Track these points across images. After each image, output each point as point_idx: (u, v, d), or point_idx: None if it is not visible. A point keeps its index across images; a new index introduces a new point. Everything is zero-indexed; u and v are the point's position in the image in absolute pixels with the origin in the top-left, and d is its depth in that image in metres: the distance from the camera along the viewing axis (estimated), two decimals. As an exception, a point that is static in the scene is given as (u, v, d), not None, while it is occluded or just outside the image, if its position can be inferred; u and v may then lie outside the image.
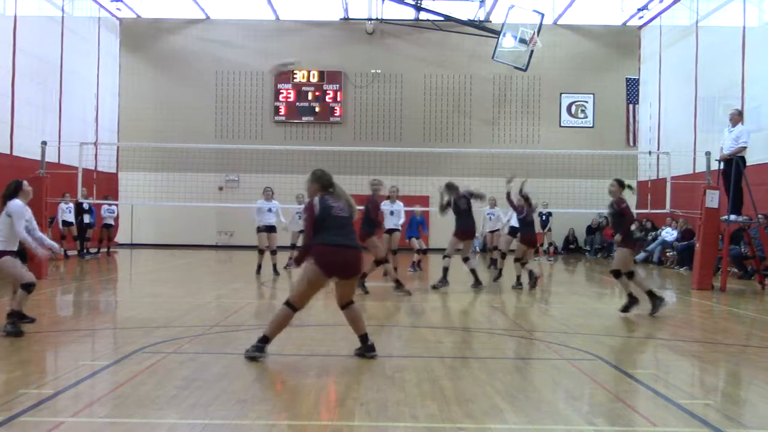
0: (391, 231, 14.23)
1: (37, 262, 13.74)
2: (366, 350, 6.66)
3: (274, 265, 15.36)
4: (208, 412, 4.86)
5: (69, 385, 5.54)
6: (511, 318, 9.65)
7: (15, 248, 7.99)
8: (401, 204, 14.57)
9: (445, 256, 13.19)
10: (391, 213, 14.16)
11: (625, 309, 9.90)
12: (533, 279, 13.04)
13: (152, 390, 5.40)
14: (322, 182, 6.73)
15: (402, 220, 15.14)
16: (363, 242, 10.86)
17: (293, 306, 6.57)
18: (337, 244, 6.48)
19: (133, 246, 24.97)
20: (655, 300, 9.85)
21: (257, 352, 6.54)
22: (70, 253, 19.61)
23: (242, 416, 4.81)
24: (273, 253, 15.37)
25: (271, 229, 15.56)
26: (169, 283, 13.61)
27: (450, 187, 13.08)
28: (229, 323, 8.79)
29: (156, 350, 6.90)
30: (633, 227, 11.57)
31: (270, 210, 15.63)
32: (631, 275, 10.07)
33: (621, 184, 10.09)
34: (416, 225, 18.91)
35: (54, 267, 16.60)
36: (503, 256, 15.41)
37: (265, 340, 6.58)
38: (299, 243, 16.92)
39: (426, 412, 4.95)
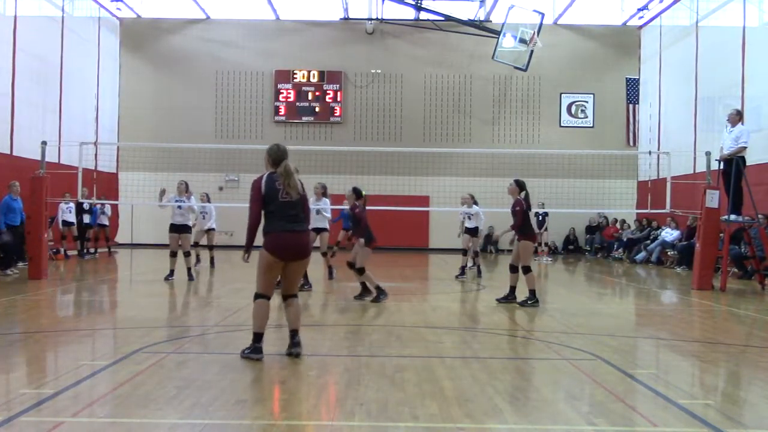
0: (318, 230, 13.27)
1: (36, 263, 13.77)
2: (293, 345, 6.67)
3: (189, 269, 13.95)
4: (208, 412, 4.86)
5: (69, 385, 5.53)
6: (511, 318, 9.65)
7: None
8: (327, 201, 13.73)
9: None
10: (317, 212, 13.10)
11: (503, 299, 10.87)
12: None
13: (152, 390, 5.39)
14: (273, 158, 6.60)
15: (212, 222, 15.12)
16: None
17: (264, 296, 6.65)
18: (285, 229, 6.48)
19: (133, 246, 24.96)
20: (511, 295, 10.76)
21: (253, 353, 6.54)
22: (70, 253, 19.60)
23: (242, 416, 4.81)
24: (186, 254, 13.99)
25: (182, 228, 13.94)
26: (169, 284, 13.59)
27: None
28: (229, 323, 8.79)
29: (156, 350, 6.90)
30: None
31: (180, 207, 13.88)
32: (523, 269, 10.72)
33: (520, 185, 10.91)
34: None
35: (54, 267, 16.60)
36: (475, 254, 16.06)
37: (257, 338, 6.59)
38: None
39: (426, 412, 4.95)
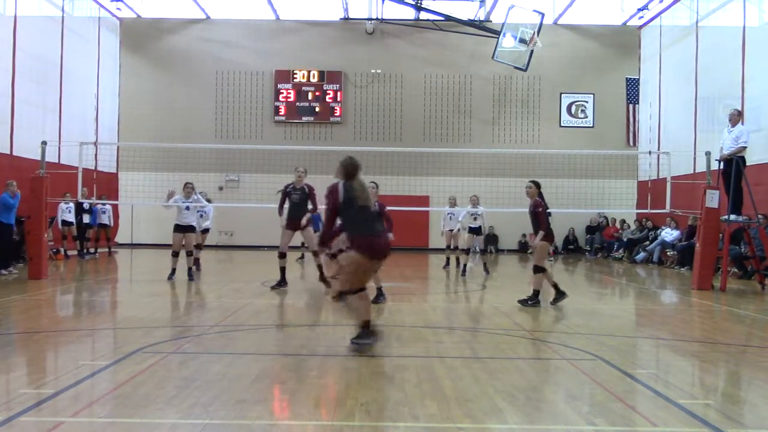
0: (185, 229, 13.96)
1: (36, 263, 13.77)
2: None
3: (189, 269, 14.04)
4: (208, 412, 4.85)
5: (69, 385, 5.53)
6: (511, 318, 9.65)
7: None
8: (205, 202, 14.70)
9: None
10: (187, 208, 14.02)
11: (555, 301, 10.57)
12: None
13: (152, 390, 5.39)
14: (347, 171, 7.11)
15: (209, 222, 15.20)
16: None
17: (360, 289, 7.02)
18: (371, 232, 7.01)
19: (133, 246, 24.96)
20: (560, 294, 10.58)
21: (364, 338, 6.85)
22: (70, 253, 19.60)
23: (242, 416, 4.80)
24: (189, 254, 14.11)
25: (187, 228, 14.09)
26: (169, 284, 13.59)
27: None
28: (229, 323, 8.79)
29: (156, 350, 6.90)
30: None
31: (187, 208, 14.09)
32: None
33: (537, 186, 10.82)
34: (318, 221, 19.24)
35: (54, 267, 16.60)
36: (466, 252, 16.66)
37: (365, 325, 6.88)
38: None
39: (426, 412, 4.95)
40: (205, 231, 17.07)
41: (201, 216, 16.65)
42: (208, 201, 17.45)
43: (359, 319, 6.97)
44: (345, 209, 7.00)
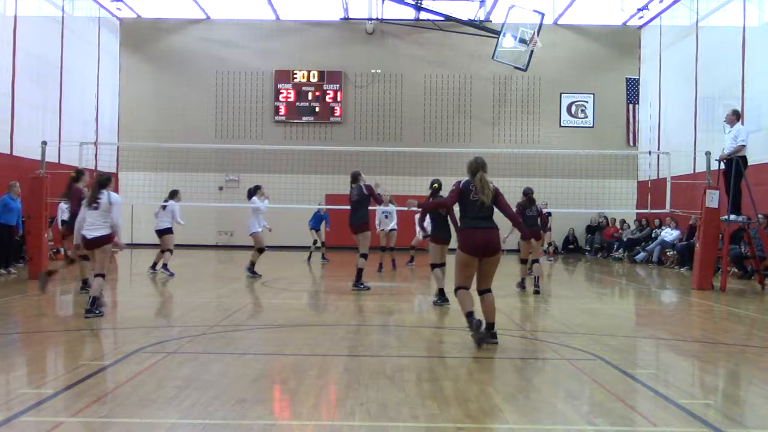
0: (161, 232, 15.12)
1: (36, 263, 13.77)
2: (489, 336, 7.33)
3: (155, 263, 15.21)
4: (208, 412, 4.86)
5: (69, 385, 5.54)
6: (511, 318, 9.65)
7: None
8: (176, 205, 15.32)
9: None
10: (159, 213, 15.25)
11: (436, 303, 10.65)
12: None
13: (152, 390, 5.39)
14: (470, 168, 7.55)
15: (167, 224, 15.48)
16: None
17: (462, 287, 7.45)
18: (474, 227, 7.35)
19: (133, 246, 24.95)
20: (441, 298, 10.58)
21: (471, 326, 7.26)
22: (70, 253, 19.57)
23: (242, 416, 4.81)
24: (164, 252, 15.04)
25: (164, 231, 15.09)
26: (169, 283, 13.60)
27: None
28: (229, 323, 8.79)
29: (156, 350, 6.90)
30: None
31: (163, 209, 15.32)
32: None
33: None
34: (319, 219, 19.76)
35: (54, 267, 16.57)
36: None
37: (469, 315, 7.32)
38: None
39: (426, 412, 4.95)
40: (392, 230, 17.62)
41: (386, 216, 17.48)
42: (391, 203, 17.45)
43: (464, 310, 7.44)
44: (460, 201, 7.64)
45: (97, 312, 8.81)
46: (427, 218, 12.11)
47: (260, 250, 14.83)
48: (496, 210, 7.52)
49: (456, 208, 7.80)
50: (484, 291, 7.43)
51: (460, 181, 7.56)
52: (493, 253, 7.32)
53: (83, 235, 9.08)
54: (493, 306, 7.42)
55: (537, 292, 12.20)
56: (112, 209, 8.92)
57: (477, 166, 7.48)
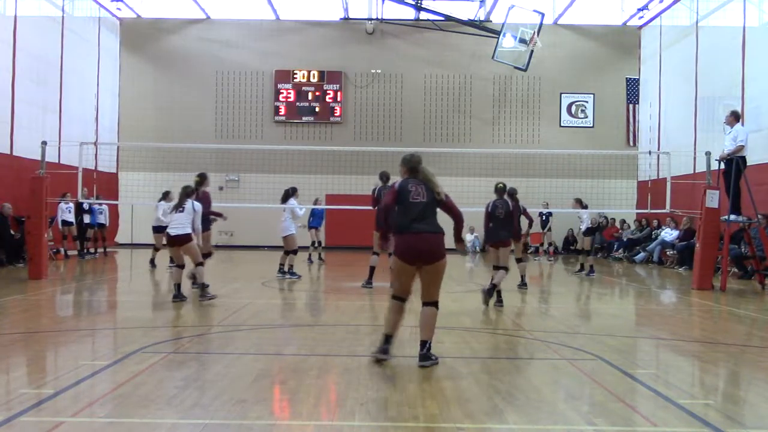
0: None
1: (37, 263, 13.77)
2: (420, 358, 6.37)
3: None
4: (208, 412, 4.85)
5: (69, 385, 5.53)
6: (511, 318, 9.64)
7: None
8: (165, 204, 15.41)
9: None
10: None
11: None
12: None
13: (152, 390, 5.39)
14: (407, 165, 6.71)
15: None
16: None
17: (400, 298, 6.55)
18: (412, 230, 6.41)
19: (133, 246, 24.95)
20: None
21: (381, 353, 6.40)
22: (70, 253, 19.60)
23: (242, 416, 4.80)
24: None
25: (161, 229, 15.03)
26: (169, 284, 13.58)
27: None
28: (229, 323, 8.79)
29: (156, 350, 6.89)
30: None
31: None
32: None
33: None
34: (319, 217, 19.96)
35: (54, 267, 16.59)
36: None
37: (387, 340, 6.44)
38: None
39: (426, 412, 4.95)
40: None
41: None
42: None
43: (385, 329, 6.60)
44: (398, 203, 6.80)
45: (209, 296, 10.63)
46: None
47: (294, 252, 14.54)
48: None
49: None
50: (426, 303, 6.56)
51: (395, 182, 6.79)
52: (433, 261, 6.40)
53: (167, 232, 10.71)
54: (431, 321, 6.48)
55: (499, 303, 10.53)
56: (195, 214, 10.71)
57: (416, 162, 6.67)
